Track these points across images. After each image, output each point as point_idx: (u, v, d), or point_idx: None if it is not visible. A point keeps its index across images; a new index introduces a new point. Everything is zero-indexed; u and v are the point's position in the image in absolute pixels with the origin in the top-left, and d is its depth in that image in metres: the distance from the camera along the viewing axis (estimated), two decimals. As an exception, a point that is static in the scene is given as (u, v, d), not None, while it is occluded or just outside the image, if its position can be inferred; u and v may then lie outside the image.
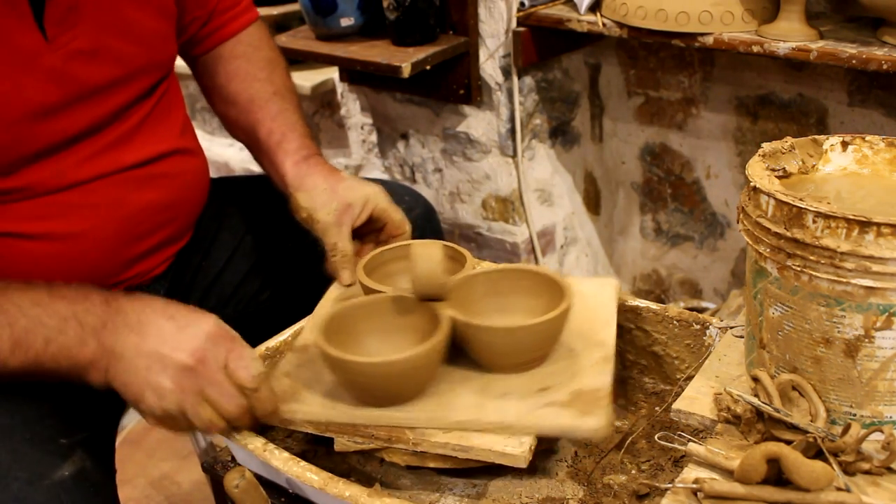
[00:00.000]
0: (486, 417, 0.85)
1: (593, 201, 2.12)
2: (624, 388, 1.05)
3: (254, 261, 1.22)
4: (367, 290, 0.98)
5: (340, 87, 2.08)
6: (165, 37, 1.09)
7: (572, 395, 0.87)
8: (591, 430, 0.83)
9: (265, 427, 0.97)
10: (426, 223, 1.30)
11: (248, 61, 1.20)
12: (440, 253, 0.91)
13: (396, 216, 1.10)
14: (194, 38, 1.19)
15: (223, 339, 0.85)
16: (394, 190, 1.33)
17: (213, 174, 1.21)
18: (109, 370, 0.84)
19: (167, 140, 1.08)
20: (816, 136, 0.90)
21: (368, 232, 1.11)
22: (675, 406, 0.86)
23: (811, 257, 0.76)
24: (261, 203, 1.25)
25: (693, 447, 0.79)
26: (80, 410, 0.96)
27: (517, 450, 0.83)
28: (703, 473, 0.78)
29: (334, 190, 1.07)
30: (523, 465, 0.83)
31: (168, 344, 0.84)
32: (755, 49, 1.46)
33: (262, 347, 1.02)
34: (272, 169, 1.14)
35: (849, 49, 1.38)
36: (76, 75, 0.96)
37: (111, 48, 1.00)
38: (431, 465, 0.86)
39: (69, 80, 0.96)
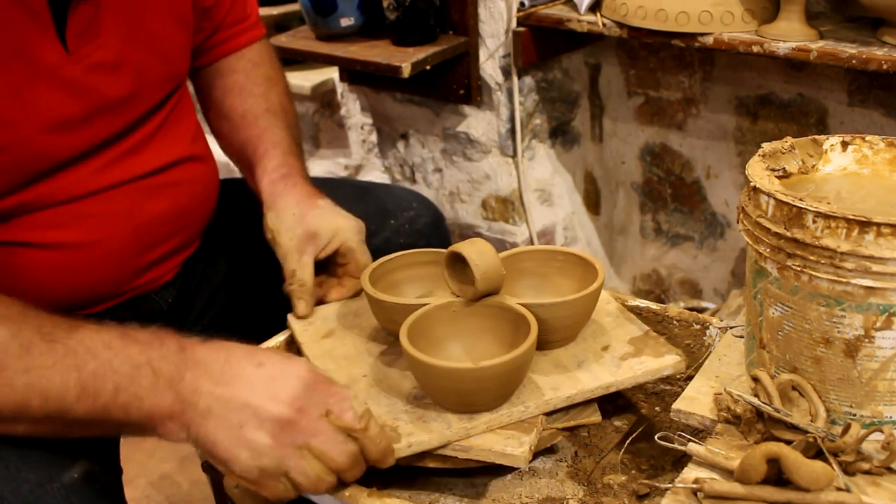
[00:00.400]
0: (589, 386, 0.89)
1: (593, 201, 2.12)
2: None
3: (258, 266, 1.22)
4: (373, 301, 0.96)
5: (340, 87, 2.08)
6: (183, 48, 1.09)
7: (632, 344, 0.94)
8: (674, 364, 0.91)
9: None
10: (433, 231, 1.28)
11: (247, 77, 1.19)
12: (491, 247, 0.91)
13: (362, 259, 1.04)
14: (198, 49, 1.18)
15: (319, 384, 0.80)
16: (402, 195, 1.31)
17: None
18: (192, 426, 0.78)
19: (179, 148, 1.08)
20: (816, 136, 0.90)
21: (336, 265, 1.07)
22: (675, 406, 0.86)
23: (811, 257, 0.76)
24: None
25: (693, 447, 0.79)
26: None
27: (517, 450, 0.83)
28: (703, 473, 0.78)
29: (304, 215, 1.03)
30: (523, 465, 0.83)
31: (261, 395, 0.77)
32: (755, 49, 1.46)
33: (263, 347, 1.02)
34: (252, 185, 1.12)
35: (849, 49, 1.38)
36: (96, 87, 0.96)
37: (131, 60, 0.99)
38: (431, 464, 0.86)
39: (89, 92, 0.95)
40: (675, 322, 1.04)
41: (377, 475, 0.88)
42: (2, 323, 0.77)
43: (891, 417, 0.80)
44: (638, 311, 1.05)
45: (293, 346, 1.04)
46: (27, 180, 0.93)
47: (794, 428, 0.78)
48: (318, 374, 0.82)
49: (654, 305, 1.06)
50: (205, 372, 0.79)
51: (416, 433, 0.83)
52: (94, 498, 0.85)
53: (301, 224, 1.03)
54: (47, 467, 0.83)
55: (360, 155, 2.15)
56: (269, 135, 1.13)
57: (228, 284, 1.20)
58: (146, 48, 1.01)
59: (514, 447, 0.83)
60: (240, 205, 1.24)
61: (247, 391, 0.78)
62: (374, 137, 2.12)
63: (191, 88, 1.24)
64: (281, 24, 2.02)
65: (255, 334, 1.04)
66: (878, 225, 0.72)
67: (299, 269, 1.02)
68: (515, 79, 1.82)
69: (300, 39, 1.86)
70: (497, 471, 0.88)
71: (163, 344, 0.80)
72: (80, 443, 0.86)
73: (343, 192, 1.30)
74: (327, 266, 1.08)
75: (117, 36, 0.97)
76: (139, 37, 0.99)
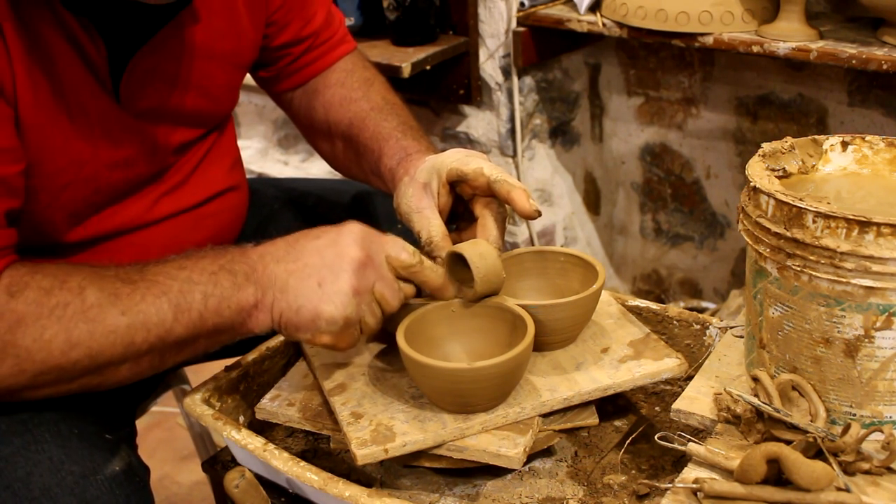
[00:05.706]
0: (586, 388, 0.89)
1: (593, 201, 2.12)
2: (624, 388, 1.05)
3: None
4: None
5: (340, 87, 2.08)
6: (233, 87, 1.09)
7: (632, 347, 0.94)
8: (674, 367, 0.91)
9: (265, 426, 0.97)
10: None
11: (343, 86, 1.17)
12: (493, 250, 0.91)
13: (476, 179, 0.95)
14: (282, 72, 1.17)
15: (374, 234, 0.87)
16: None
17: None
18: (275, 305, 0.84)
19: (219, 180, 1.09)
20: (816, 136, 0.90)
21: (471, 196, 0.98)
22: (675, 406, 0.86)
23: (811, 257, 0.76)
24: (273, 213, 1.26)
25: (693, 447, 0.79)
26: (116, 406, 0.96)
27: (511, 451, 0.83)
28: (703, 473, 0.78)
29: (412, 178, 0.99)
30: (517, 466, 0.83)
31: (331, 254, 0.84)
32: (755, 49, 1.46)
33: (263, 347, 1.03)
34: (387, 189, 1.09)
35: (849, 49, 1.38)
36: (144, 131, 0.97)
37: (182, 105, 1.00)
38: (426, 464, 0.86)
39: (139, 135, 0.97)
40: (675, 322, 1.04)
41: (380, 474, 0.88)
42: (85, 282, 0.82)
43: (891, 417, 0.80)
44: (638, 312, 1.05)
45: (293, 345, 1.04)
46: (92, 212, 0.97)
47: (794, 428, 0.78)
48: (369, 227, 0.88)
49: (654, 305, 1.06)
50: (272, 258, 0.85)
51: (411, 432, 0.83)
52: (136, 491, 0.86)
53: (411, 185, 0.98)
54: (90, 460, 0.84)
55: (360, 155, 2.15)
56: (380, 130, 1.10)
57: None
58: (196, 92, 1.01)
59: (508, 448, 0.83)
60: (257, 214, 1.24)
61: (316, 256, 0.84)
62: (374, 137, 2.11)
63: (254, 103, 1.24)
64: (281, 24, 2.01)
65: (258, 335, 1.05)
66: (878, 225, 0.72)
67: (423, 227, 0.96)
68: (515, 79, 1.82)
69: (300, 39, 1.86)
70: (497, 471, 0.88)
71: (226, 251, 0.87)
72: (117, 437, 0.90)
73: (346, 197, 1.30)
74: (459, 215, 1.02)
75: (168, 82, 0.98)
76: (191, 81, 1.00)
